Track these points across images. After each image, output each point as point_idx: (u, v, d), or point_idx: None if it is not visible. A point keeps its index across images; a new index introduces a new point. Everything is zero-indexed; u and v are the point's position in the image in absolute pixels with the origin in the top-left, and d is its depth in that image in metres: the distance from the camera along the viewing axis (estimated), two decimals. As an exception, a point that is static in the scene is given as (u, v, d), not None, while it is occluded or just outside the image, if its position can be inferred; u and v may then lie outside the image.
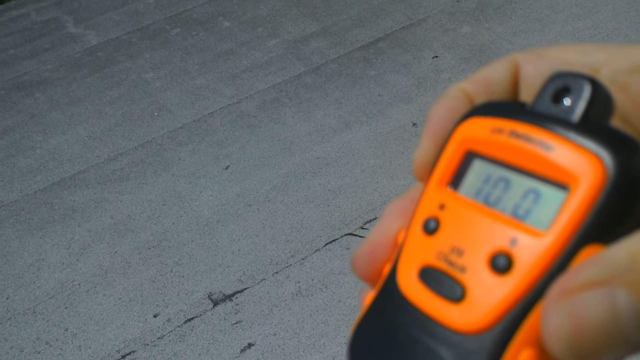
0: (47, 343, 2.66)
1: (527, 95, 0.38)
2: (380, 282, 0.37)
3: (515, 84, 0.38)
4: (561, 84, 0.33)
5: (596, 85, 0.32)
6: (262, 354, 2.52)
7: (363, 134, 3.34)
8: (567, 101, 0.33)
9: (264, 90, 3.71)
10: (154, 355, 2.57)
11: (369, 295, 0.37)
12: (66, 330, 2.70)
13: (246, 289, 2.74)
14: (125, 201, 3.19)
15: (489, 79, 0.38)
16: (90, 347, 2.63)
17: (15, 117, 3.78)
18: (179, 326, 2.65)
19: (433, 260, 0.34)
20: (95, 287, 2.84)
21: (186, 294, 2.76)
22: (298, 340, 2.54)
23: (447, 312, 0.32)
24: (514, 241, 0.31)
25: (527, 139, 0.33)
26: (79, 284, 2.85)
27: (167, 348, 2.59)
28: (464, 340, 0.32)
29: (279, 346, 2.54)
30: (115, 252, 2.96)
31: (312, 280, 2.73)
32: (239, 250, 2.89)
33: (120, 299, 2.78)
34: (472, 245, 0.33)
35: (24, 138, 3.63)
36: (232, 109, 3.61)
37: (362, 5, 4.24)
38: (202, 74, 3.89)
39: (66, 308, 2.77)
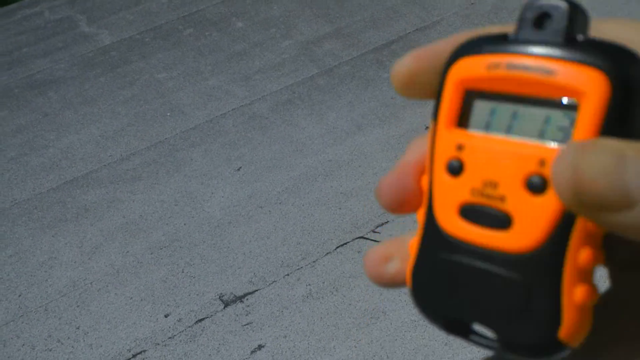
0: (58, 341, 2.67)
1: None
2: (420, 227, 0.38)
3: None
4: (538, 11, 0.35)
5: (572, 4, 0.34)
6: (272, 356, 2.52)
7: (375, 136, 3.34)
8: (549, 24, 0.34)
9: (276, 91, 3.71)
10: (164, 355, 2.58)
11: (414, 242, 0.39)
12: (78, 328, 2.71)
13: (257, 290, 2.75)
14: (137, 201, 3.20)
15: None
16: (101, 346, 2.64)
17: (29, 115, 3.79)
18: (189, 326, 2.66)
19: (469, 197, 0.36)
20: (107, 286, 2.85)
21: (197, 295, 2.76)
22: (308, 343, 2.55)
23: (500, 240, 0.35)
24: (542, 162, 0.33)
25: (525, 67, 0.34)
26: (91, 283, 2.86)
27: (178, 348, 2.59)
28: (525, 258, 0.34)
29: (289, 348, 2.54)
30: (127, 251, 2.97)
31: (323, 283, 2.74)
32: (250, 251, 2.89)
33: (131, 298, 2.79)
34: (504, 175, 0.35)
35: (37, 137, 3.65)
36: (244, 110, 3.61)
37: (375, 7, 4.24)
38: (214, 75, 3.90)
39: (78, 306, 2.78)
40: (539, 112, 0.34)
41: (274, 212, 3.05)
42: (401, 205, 0.39)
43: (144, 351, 2.60)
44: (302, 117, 3.53)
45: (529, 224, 0.34)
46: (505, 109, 0.35)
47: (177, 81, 3.89)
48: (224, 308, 2.71)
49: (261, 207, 3.08)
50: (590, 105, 0.32)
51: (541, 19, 0.35)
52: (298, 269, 2.80)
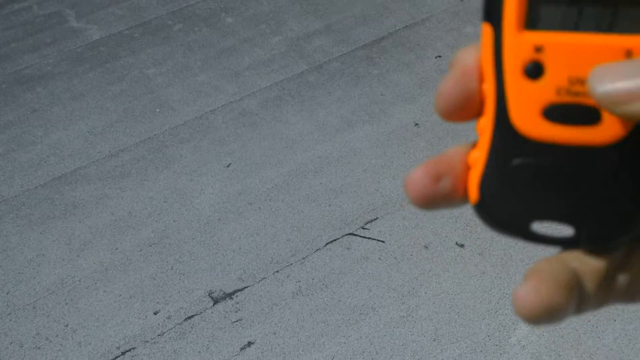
0: (47, 339, 2.66)
1: None
2: (488, 136, 0.38)
3: None
4: None
5: None
6: (262, 353, 2.52)
7: (365, 133, 3.34)
8: None
9: (266, 87, 3.70)
10: (153, 352, 2.57)
11: (477, 154, 0.39)
12: (66, 326, 2.70)
13: (246, 287, 2.74)
14: (126, 198, 3.18)
15: None
16: (90, 344, 2.63)
17: (16, 111, 3.77)
18: (179, 324, 2.65)
19: (555, 97, 0.35)
20: (95, 283, 2.83)
21: (187, 292, 2.76)
22: (298, 339, 2.54)
23: (590, 134, 0.35)
24: (629, 52, 0.33)
25: None
26: (80, 280, 2.85)
27: (167, 345, 2.59)
28: (614, 148, 0.35)
29: (278, 345, 2.54)
30: (116, 248, 2.96)
31: (313, 279, 2.73)
32: (239, 248, 2.89)
33: (120, 295, 2.78)
34: (591, 69, 0.34)
35: (25, 133, 3.63)
36: (234, 107, 3.60)
37: (365, 4, 4.23)
38: (204, 71, 3.88)
39: (66, 304, 2.77)
40: (610, 7, 0.34)
41: (264, 208, 3.04)
42: (461, 111, 0.38)
43: (133, 349, 2.59)
44: (292, 113, 3.52)
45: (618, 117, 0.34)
46: (576, 7, 0.34)
47: (166, 77, 3.87)
48: (213, 305, 2.70)
49: (251, 203, 3.07)
50: None
51: None
52: (287, 265, 2.79)
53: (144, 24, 4.33)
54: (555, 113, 0.35)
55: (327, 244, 2.85)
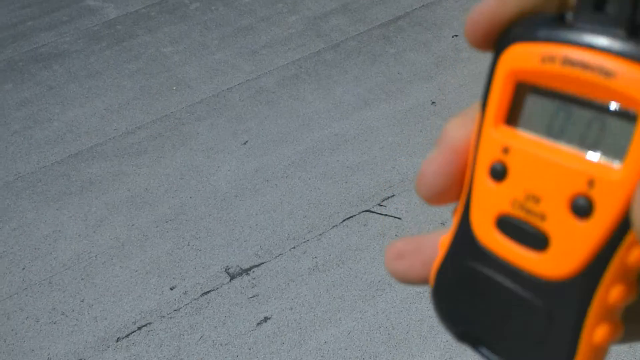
0: (63, 314, 2.67)
1: None
2: (454, 229, 0.36)
3: None
4: None
5: None
6: (278, 328, 2.51)
7: (382, 111, 3.33)
8: (611, 8, 0.30)
9: (283, 66, 3.69)
10: (170, 327, 2.57)
11: (444, 240, 0.37)
12: (82, 301, 2.70)
13: (263, 263, 2.74)
14: (142, 174, 3.18)
15: None
16: (106, 319, 2.63)
17: (33, 89, 3.78)
18: (195, 299, 2.65)
19: (509, 209, 0.33)
20: (112, 259, 2.84)
21: (203, 268, 2.75)
22: (314, 315, 2.54)
23: (533, 261, 0.33)
24: (591, 183, 0.30)
25: (583, 65, 0.30)
26: (96, 256, 2.85)
27: (184, 320, 2.59)
28: (554, 286, 0.32)
29: (295, 320, 2.53)
30: (133, 224, 2.96)
31: (329, 255, 2.73)
32: (256, 224, 2.88)
33: (137, 271, 2.78)
34: (548, 191, 0.32)
35: (42, 110, 3.63)
36: (251, 85, 3.60)
37: (382, -17, 4.22)
38: (221, 49, 3.87)
39: (82, 279, 2.77)
40: (595, 119, 0.31)
41: (281, 185, 3.03)
42: (443, 196, 0.37)
43: (150, 324, 2.60)
44: (309, 91, 3.51)
45: (566, 250, 0.32)
46: (559, 110, 0.32)
47: (183, 55, 3.87)
48: (230, 281, 2.69)
49: (267, 180, 3.06)
50: None
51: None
52: (304, 241, 2.79)
53: (161, 2, 4.32)
54: (506, 226, 0.34)
55: (343, 220, 2.85)
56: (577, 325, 0.32)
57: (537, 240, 0.32)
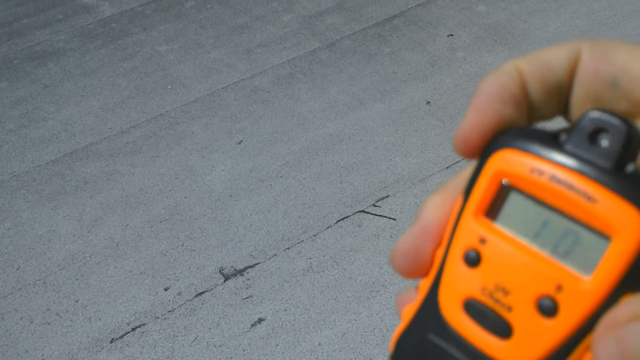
0: (57, 314, 2.67)
1: (577, 87, 0.38)
2: (419, 301, 0.38)
3: (571, 75, 0.37)
4: (599, 124, 0.33)
5: (631, 129, 0.33)
6: (273, 329, 2.51)
7: (377, 111, 3.33)
8: (603, 142, 0.33)
9: (278, 65, 3.69)
10: (164, 328, 2.57)
11: (409, 310, 0.39)
12: (76, 301, 2.70)
13: (257, 264, 2.74)
14: (137, 174, 3.18)
15: (546, 62, 0.37)
16: (100, 319, 2.63)
17: (28, 87, 3.77)
18: (189, 300, 2.65)
19: (478, 295, 0.35)
20: (106, 259, 2.84)
21: (197, 268, 2.75)
22: (308, 316, 2.54)
23: (494, 347, 0.35)
24: (559, 287, 0.33)
25: (569, 186, 0.33)
26: (90, 256, 2.85)
27: (178, 321, 2.59)
28: None
29: (289, 321, 2.53)
30: (127, 224, 2.96)
31: (324, 256, 2.73)
32: (250, 225, 2.88)
33: (131, 271, 2.78)
34: (518, 287, 0.34)
35: (37, 109, 3.63)
36: (246, 84, 3.59)
37: (378, -18, 4.22)
38: (216, 48, 3.87)
39: (77, 280, 2.77)
40: (571, 231, 0.34)
41: (275, 185, 3.03)
42: (414, 273, 0.39)
43: (144, 324, 2.60)
44: (304, 91, 3.51)
45: (527, 344, 0.34)
46: (538, 215, 0.35)
47: (178, 54, 3.87)
48: (224, 281, 2.70)
49: (262, 180, 3.06)
50: (620, 246, 0.32)
51: (597, 132, 0.34)
52: (299, 242, 2.79)
53: (156, 0, 4.32)
54: (473, 310, 0.35)
55: (338, 221, 2.85)
56: None
57: (501, 328, 0.34)
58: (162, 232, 2.91)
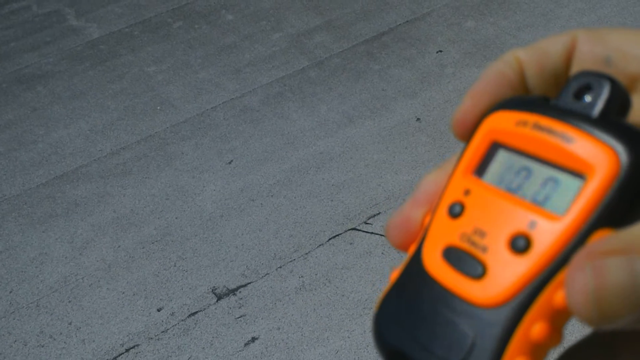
0: (50, 337, 2.66)
1: (573, 69, 0.40)
2: (406, 261, 0.39)
3: (568, 60, 0.39)
4: (583, 82, 0.36)
5: (615, 85, 0.35)
6: (266, 348, 2.51)
7: (367, 128, 3.34)
8: (587, 98, 0.35)
9: (267, 84, 3.70)
10: (157, 349, 2.57)
11: (395, 272, 0.40)
12: (70, 324, 2.69)
13: (250, 283, 2.74)
14: (128, 195, 3.18)
15: (544, 50, 0.40)
16: (94, 341, 2.63)
17: (17, 110, 3.77)
18: (182, 320, 2.65)
19: (457, 241, 0.37)
20: (98, 281, 2.83)
21: (190, 288, 2.75)
22: (302, 334, 2.54)
23: (468, 288, 0.35)
24: (532, 224, 0.34)
25: (549, 131, 0.35)
26: (83, 278, 2.85)
27: (171, 342, 2.58)
28: (482, 313, 0.35)
29: (282, 340, 2.53)
30: (119, 246, 2.95)
31: (316, 274, 2.73)
32: (242, 244, 2.88)
33: (123, 293, 2.78)
34: (494, 228, 0.36)
35: (26, 132, 3.62)
36: (235, 103, 3.60)
37: None
38: (205, 68, 3.88)
39: (70, 302, 2.77)
40: (548, 176, 0.36)
41: (266, 204, 3.04)
42: (407, 242, 0.40)
43: (137, 345, 2.59)
44: (293, 109, 3.51)
45: (498, 281, 0.34)
46: (521, 166, 0.37)
47: (167, 74, 3.87)
48: (217, 301, 2.69)
49: (253, 200, 3.06)
50: (594, 183, 0.33)
51: (583, 90, 0.36)
52: (290, 261, 2.79)
53: (144, 21, 4.33)
54: (451, 256, 0.36)
55: (329, 239, 2.85)
56: (497, 353, 0.33)
57: (475, 269, 0.35)
58: (154, 253, 2.90)
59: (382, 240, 2.82)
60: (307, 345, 2.51)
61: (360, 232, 2.86)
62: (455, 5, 4.06)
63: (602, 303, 0.30)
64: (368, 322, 2.54)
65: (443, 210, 0.38)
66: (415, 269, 0.38)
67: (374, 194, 3.00)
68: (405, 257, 0.40)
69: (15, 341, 2.66)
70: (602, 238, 0.32)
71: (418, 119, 3.34)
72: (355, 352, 2.46)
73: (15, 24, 4.47)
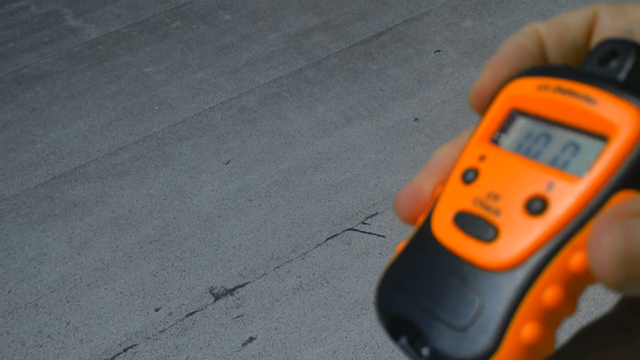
0: (49, 336, 2.66)
1: (594, 42, 0.39)
2: (414, 231, 0.38)
3: (589, 33, 0.39)
4: (609, 48, 0.35)
5: None
6: (264, 348, 2.52)
7: (364, 128, 3.34)
8: (613, 64, 0.34)
9: (265, 84, 3.70)
10: (155, 349, 2.57)
11: (402, 243, 0.38)
12: (68, 323, 2.70)
13: (247, 283, 2.74)
14: (126, 195, 3.18)
15: (564, 23, 0.39)
16: (92, 341, 2.63)
17: (15, 110, 3.77)
18: (180, 320, 2.65)
19: (469, 206, 0.36)
20: (96, 281, 2.84)
21: (187, 288, 2.76)
22: (299, 335, 2.54)
23: (479, 252, 0.34)
24: (550, 186, 0.33)
25: (572, 93, 0.34)
26: (81, 278, 2.85)
27: (169, 342, 2.59)
28: (492, 277, 0.33)
29: (280, 340, 2.54)
30: (117, 246, 2.96)
31: (313, 275, 2.73)
32: (240, 244, 2.89)
33: (121, 292, 2.78)
34: (509, 191, 0.34)
35: (24, 132, 3.63)
36: (232, 104, 3.60)
37: None
38: (202, 68, 3.88)
39: (68, 302, 2.77)
40: (569, 141, 0.34)
41: (264, 205, 3.04)
42: (415, 214, 0.39)
43: (135, 345, 2.60)
44: (291, 110, 3.52)
45: (511, 243, 0.33)
46: (540, 132, 0.36)
47: (164, 75, 3.87)
48: (214, 301, 2.70)
49: (251, 200, 3.07)
50: (617, 143, 0.32)
51: (608, 57, 0.35)
52: (288, 261, 2.80)
53: (142, 22, 4.33)
54: (462, 220, 0.35)
55: (327, 239, 2.86)
56: (506, 317, 0.32)
57: (486, 232, 0.34)
58: (151, 253, 2.91)
59: (379, 240, 2.82)
60: (304, 346, 2.51)
61: (357, 232, 2.86)
62: (453, 5, 4.06)
63: (631, 264, 0.29)
64: (366, 322, 2.55)
65: (456, 177, 0.37)
66: (423, 237, 0.37)
67: (372, 194, 3.01)
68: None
69: (14, 341, 2.66)
70: (630, 199, 0.31)
71: (416, 119, 3.34)
72: (352, 352, 2.47)
73: (13, 24, 4.47)
